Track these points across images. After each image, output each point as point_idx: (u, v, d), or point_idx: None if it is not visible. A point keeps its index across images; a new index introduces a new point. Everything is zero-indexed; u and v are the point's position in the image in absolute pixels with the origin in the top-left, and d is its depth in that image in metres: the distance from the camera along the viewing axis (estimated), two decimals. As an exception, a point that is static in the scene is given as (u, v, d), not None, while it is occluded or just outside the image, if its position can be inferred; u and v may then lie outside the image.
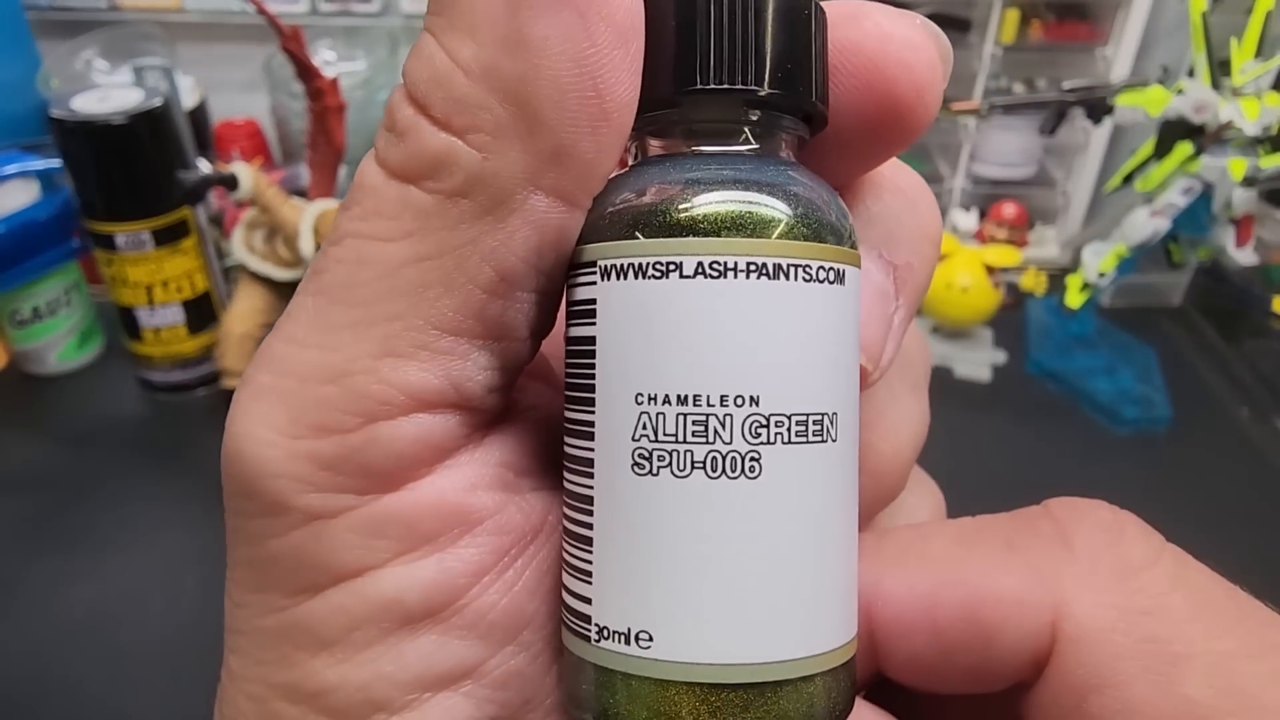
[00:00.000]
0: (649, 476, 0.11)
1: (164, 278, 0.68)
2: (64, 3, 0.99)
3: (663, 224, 0.12)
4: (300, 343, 0.12)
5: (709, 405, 0.11)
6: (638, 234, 0.12)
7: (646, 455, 0.11)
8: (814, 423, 0.12)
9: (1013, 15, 0.84)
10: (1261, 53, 0.66)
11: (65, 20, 0.99)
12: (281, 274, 0.62)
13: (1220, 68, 0.66)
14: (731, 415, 0.11)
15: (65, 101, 0.63)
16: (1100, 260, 0.73)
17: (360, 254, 0.12)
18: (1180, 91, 0.67)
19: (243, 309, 0.63)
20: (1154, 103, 0.67)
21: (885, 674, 0.14)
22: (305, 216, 0.59)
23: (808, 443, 0.12)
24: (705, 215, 0.12)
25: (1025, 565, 0.13)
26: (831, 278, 0.12)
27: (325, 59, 1.02)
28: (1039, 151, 0.95)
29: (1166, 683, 0.12)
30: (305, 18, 1.00)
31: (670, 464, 0.11)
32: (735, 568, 0.11)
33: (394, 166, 0.12)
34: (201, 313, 0.71)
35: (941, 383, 0.77)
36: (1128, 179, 0.74)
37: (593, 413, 0.12)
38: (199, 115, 0.95)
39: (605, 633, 0.12)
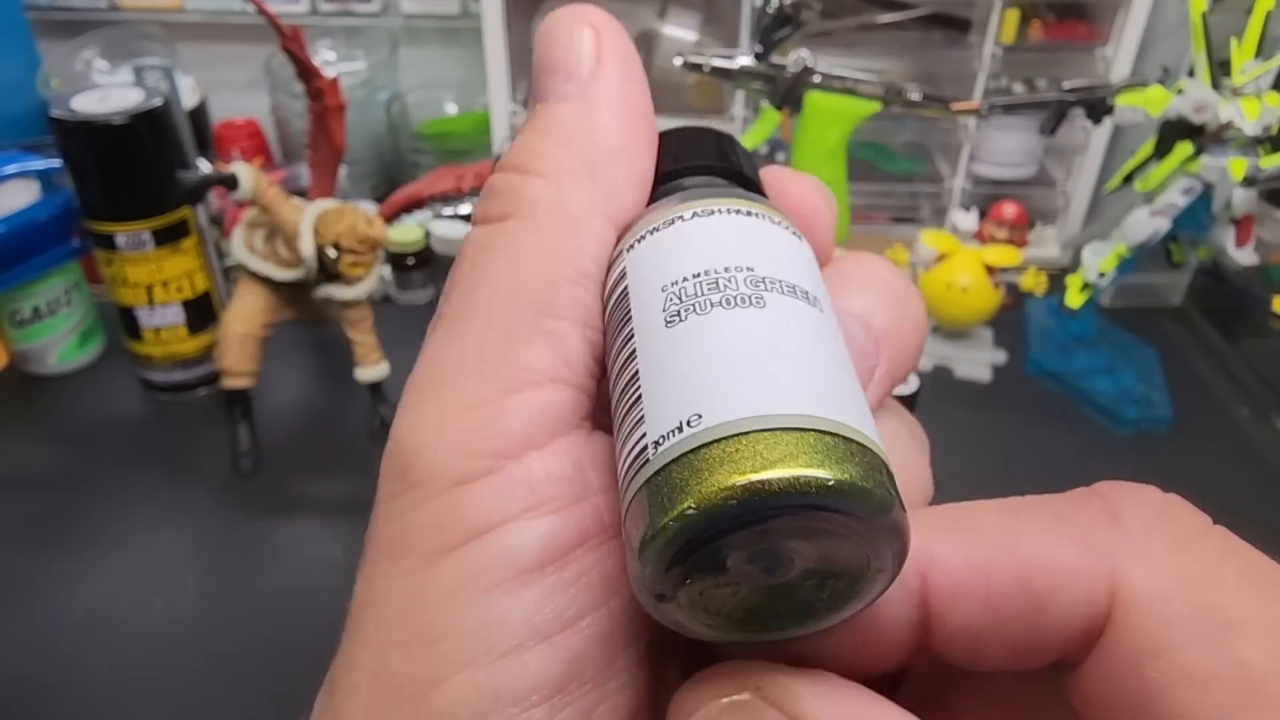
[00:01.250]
0: (677, 322, 0.14)
1: (164, 278, 0.68)
2: (64, 3, 0.99)
3: (666, 200, 0.16)
4: (440, 351, 0.15)
5: (717, 273, 0.14)
6: (650, 213, 0.16)
7: (675, 312, 0.14)
8: (801, 291, 0.14)
9: (1013, 15, 0.84)
10: (1261, 53, 0.66)
11: (65, 20, 0.99)
12: (281, 274, 0.62)
13: (1220, 68, 0.66)
14: (735, 276, 0.14)
15: (65, 101, 0.63)
16: (1100, 260, 0.73)
17: (471, 280, 0.15)
18: (1180, 91, 0.67)
19: (243, 309, 0.63)
20: (1154, 103, 0.68)
21: (934, 648, 0.14)
22: (305, 216, 0.59)
23: (800, 300, 0.14)
24: (695, 191, 0.16)
25: (1078, 536, 0.13)
26: (785, 224, 0.16)
27: (325, 59, 1.02)
28: (1039, 151, 0.95)
29: (1222, 647, 0.12)
30: (305, 18, 1.00)
31: (694, 309, 0.14)
32: (769, 350, 0.13)
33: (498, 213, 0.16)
34: (201, 312, 0.71)
35: (942, 383, 0.77)
36: (1128, 179, 0.74)
37: (631, 324, 0.14)
38: (199, 115, 0.95)
39: (659, 441, 0.12)
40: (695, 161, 0.17)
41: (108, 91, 0.64)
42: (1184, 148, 0.67)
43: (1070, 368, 0.76)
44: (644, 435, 0.13)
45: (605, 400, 0.15)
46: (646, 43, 0.92)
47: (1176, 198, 0.69)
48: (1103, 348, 0.78)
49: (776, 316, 0.13)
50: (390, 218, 0.63)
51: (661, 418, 0.13)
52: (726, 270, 0.14)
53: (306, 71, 0.58)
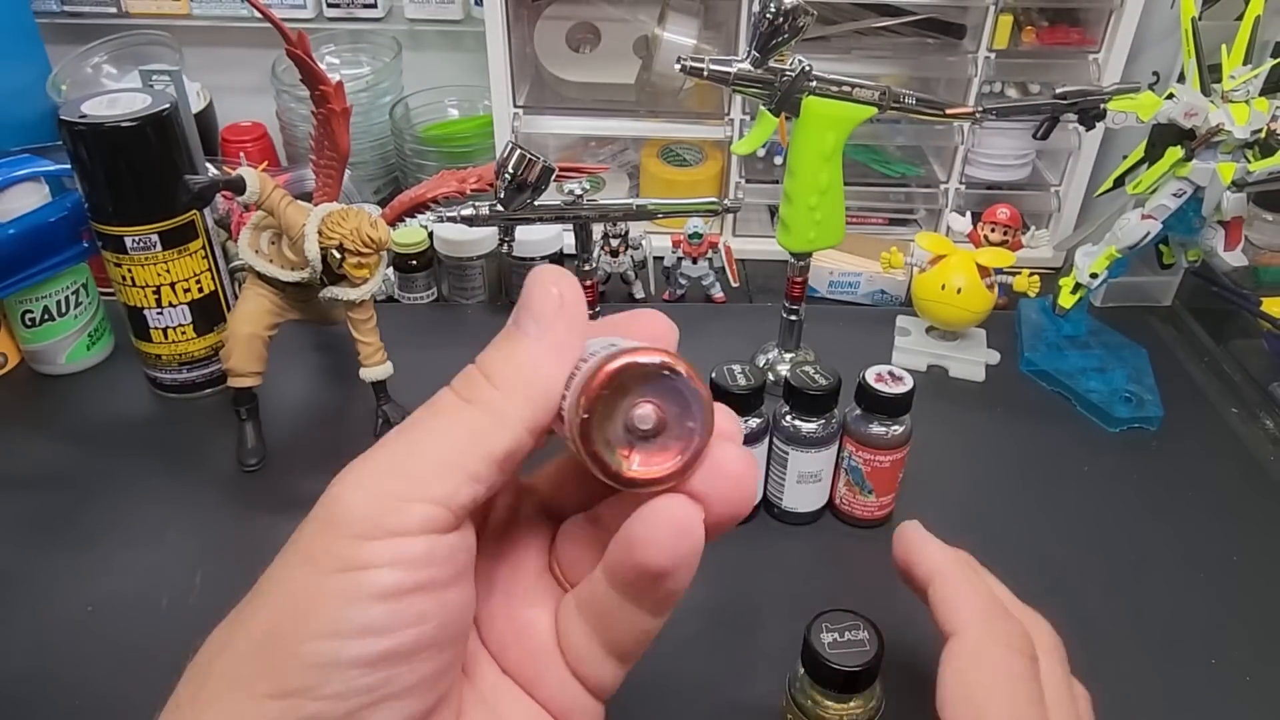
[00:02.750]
0: None
1: (172, 279, 0.69)
2: (74, 8, 1.00)
3: None
4: (400, 446, 0.24)
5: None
6: None
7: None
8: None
9: (1006, 21, 0.86)
10: (1251, 59, 0.67)
11: (75, 26, 1.00)
12: (287, 276, 0.63)
13: (1210, 73, 0.67)
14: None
15: (75, 106, 0.64)
16: (1092, 262, 0.74)
17: (437, 425, 0.24)
18: (1171, 97, 0.68)
19: (249, 310, 0.64)
20: (1145, 107, 0.68)
21: None
22: (311, 219, 0.60)
23: None
24: None
25: (978, 608, 0.37)
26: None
27: (330, 64, 1.03)
28: (1032, 155, 0.96)
29: (970, 680, 0.36)
30: (311, 23, 1.01)
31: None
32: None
33: (464, 393, 0.24)
34: (208, 313, 0.72)
35: (936, 383, 0.78)
36: (1119, 182, 0.75)
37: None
38: (206, 119, 0.97)
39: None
40: None
41: (116, 96, 0.66)
42: (1175, 152, 0.68)
43: (1063, 368, 0.77)
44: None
45: (479, 513, 0.24)
46: (646, 47, 0.93)
47: (1167, 200, 0.70)
48: (1095, 348, 0.79)
49: None
50: (394, 220, 0.64)
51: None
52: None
53: (312, 76, 0.58)
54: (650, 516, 0.23)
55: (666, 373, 0.22)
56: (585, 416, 0.22)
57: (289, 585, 0.22)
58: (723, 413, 0.24)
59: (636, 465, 0.23)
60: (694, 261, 0.86)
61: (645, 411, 0.23)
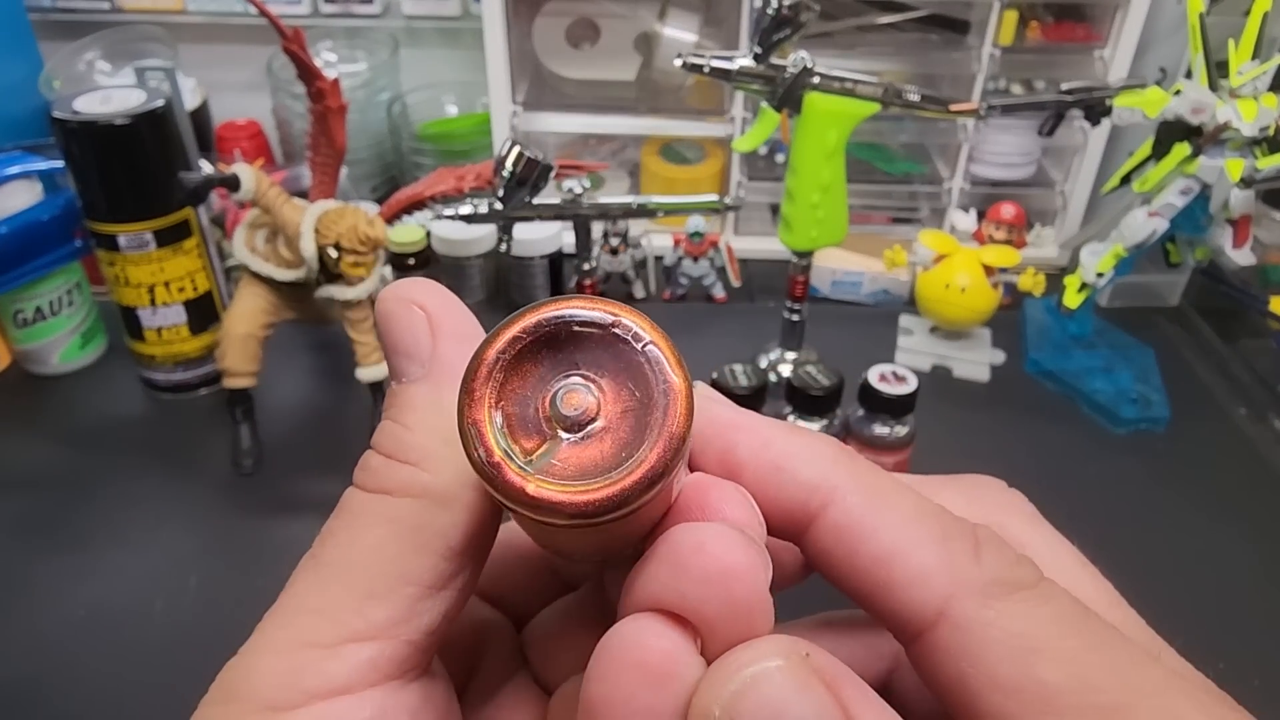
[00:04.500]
0: None
1: (166, 278, 0.68)
2: (67, 4, 0.99)
3: None
4: (305, 588, 0.17)
5: None
6: None
7: None
8: None
9: (1011, 17, 0.85)
10: (1259, 54, 0.66)
11: (68, 22, 0.99)
12: (283, 274, 0.62)
13: (1218, 69, 0.67)
14: None
15: (68, 103, 0.63)
16: (1098, 260, 0.73)
17: (347, 538, 0.18)
18: (1178, 93, 0.67)
19: (244, 309, 0.63)
20: (1152, 104, 0.68)
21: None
22: (306, 217, 0.59)
23: None
24: None
25: (942, 555, 0.17)
26: None
27: (326, 60, 1.03)
28: (1037, 152, 0.95)
29: (1025, 667, 0.15)
30: (307, 19, 1.00)
31: None
32: None
33: (373, 488, 0.18)
34: (203, 313, 0.71)
35: (940, 383, 0.77)
36: (1125, 179, 0.74)
37: None
38: (201, 116, 0.96)
39: None
40: None
41: (110, 93, 0.65)
42: (1181, 149, 0.68)
43: (1068, 367, 0.76)
44: None
45: (441, 648, 0.18)
46: (647, 44, 0.93)
47: (1174, 198, 0.69)
48: (1101, 348, 0.78)
49: None
50: (391, 218, 0.63)
51: None
52: None
53: (308, 73, 0.58)
54: (606, 663, 0.15)
55: (624, 337, 0.15)
56: (473, 367, 0.15)
57: None
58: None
59: (540, 470, 0.15)
60: (695, 260, 0.85)
61: (573, 388, 0.15)
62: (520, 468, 0.14)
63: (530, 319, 0.15)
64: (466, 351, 0.16)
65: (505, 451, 0.14)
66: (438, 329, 0.18)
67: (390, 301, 0.18)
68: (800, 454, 0.17)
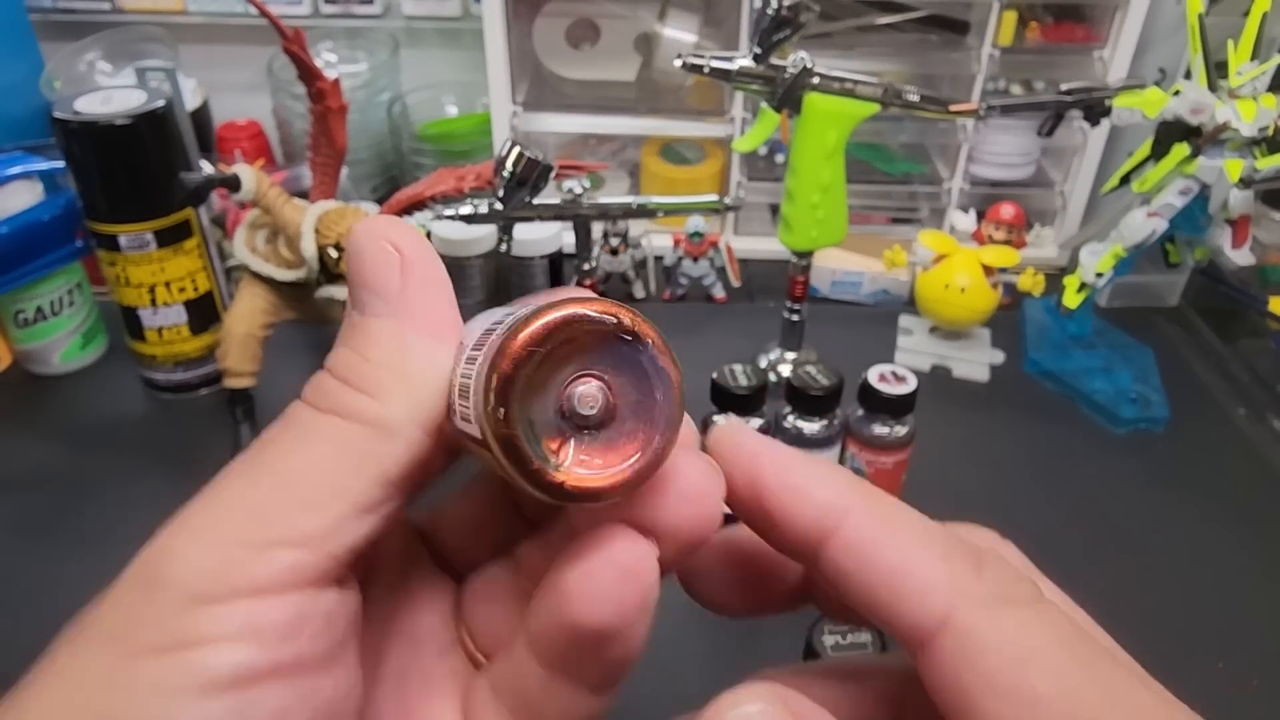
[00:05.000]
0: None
1: (167, 278, 0.68)
2: (67, 4, 0.99)
3: None
4: (241, 485, 0.18)
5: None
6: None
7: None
8: None
9: (1010, 17, 0.85)
10: (1258, 54, 0.66)
11: (68, 22, 0.99)
12: (283, 274, 0.62)
13: (1217, 69, 0.67)
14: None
15: (69, 103, 0.63)
16: (1098, 260, 0.73)
17: (290, 447, 0.18)
18: (1177, 93, 0.67)
19: (245, 309, 0.63)
20: (1151, 104, 0.68)
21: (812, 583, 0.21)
22: (307, 217, 0.59)
23: None
24: None
25: (946, 571, 0.18)
26: None
27: (327, 60, 1.03)
28: (1037, 153, 0.95)
29: (1019, 675, 0.16)
30: (307, 19, 1.00)
31: None
32: None
33: (324, 406, 0.19)
34: (204, 313, 0.71)
35: (940, 383, 0.77)
36: (1125, 180, 0.74)
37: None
38: (201, 116, 0.96)
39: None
40: None
41: (110, 93, 0.65)
42: (1181, 149, 0.68)
43: (1068, 368, 0.76)
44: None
45: (362, 564, 0.18)
46: (647, 44, 0.93)
47: (1173, 198, 0.69)
48: (1100, 348, 0.78)
49: None
50: (391, 218, 0.63)
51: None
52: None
53: (308, 73, 0.58)
54: (585, 559, 0.17)
55: (626, 336, 0.17)
56: (500, 386, 0.16)
57: (81, 676, 0.16)
58: None
59: (571, 465, 0.17)
60: (695, 260, 0.85)
61: (589, 390, 0.17)
62: (555, 468, 0.16)
63: (540, 328, 0.16)
64: (432, 297, 0.19)
65: (541, 456, 0.16)
66: (408, 270, 0.19)
67: (364, 236, 0.19)
68: (817, 478, 0.19)
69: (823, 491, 0.19)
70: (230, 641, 0.16)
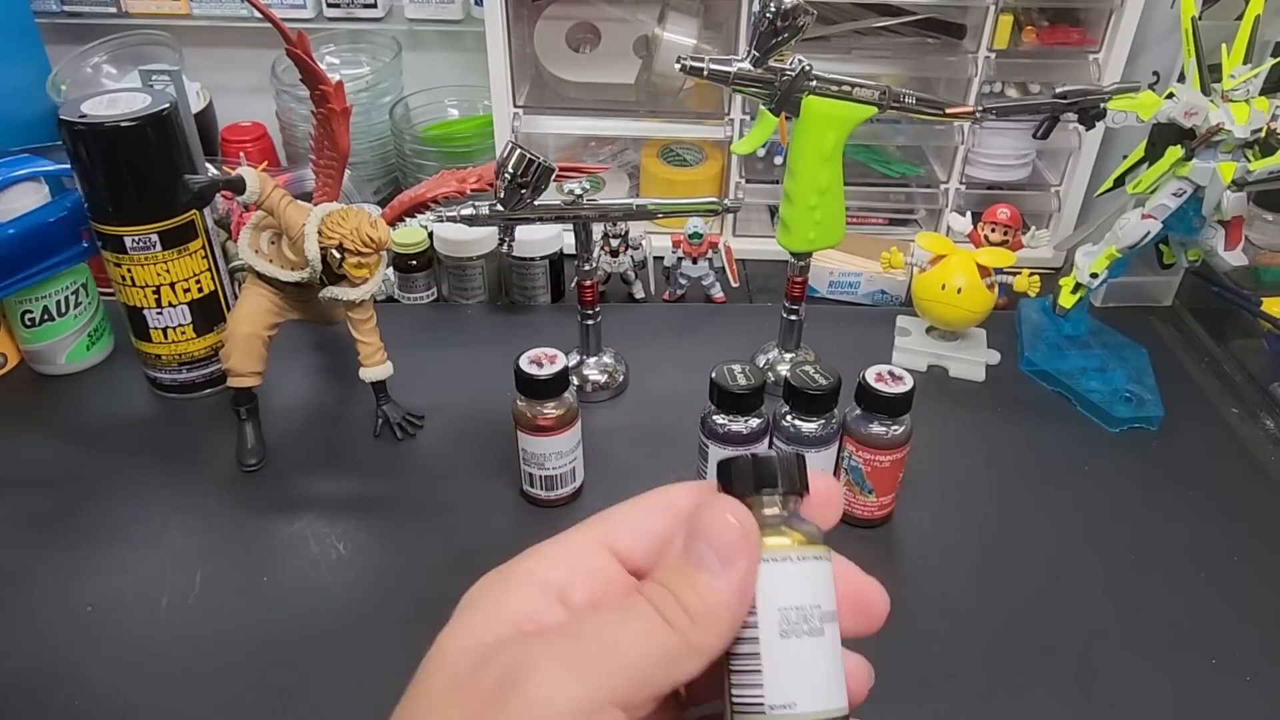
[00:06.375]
0: (786, 635, 0.23)
1: (172, 279, 0.69)
2: (74, 8, 1.00)
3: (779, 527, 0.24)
4: (583, 676, 0.21)
5: (806, 609, 0.23)
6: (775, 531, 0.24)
7: (784, 630, 0.23)
8: (832, 615, 0.23)
9: (1006, 21, 0.85)
10: (1251, 58, 0.67)
11: (75, 25, 1.00)
12: (287, 275, 0.63)
13: (1210, 73, 0.67)
14: (813, 612, 0.23)
15: (75, 106, 0.64)
16: (1092, 261, 0.74)
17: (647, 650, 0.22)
18: (1171, 96, 0.68)
19: (249, 310, 0.64)
20: (1145, 107, 0.68)
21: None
22: (310, 219, 0.60)
23: (832, 623, 0.23)
24: (798, 525, 0.24)
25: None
26: (828, 557, 0.24)
27: (330, 63, 1.03)
28: (1032, 155, 0.96)
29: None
30: (310, 23, 1.01)
31: (793, 632, 0.23)
32: (824, 670, 0.23)
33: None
34: (208, 313, 0.72)
35: (936, 383, 0.78)
36: (1119, 182, 0.75)
37: (756, 619, 0.23)
38: (206, 119, 0.97)
39: (773, 706, 0.22)
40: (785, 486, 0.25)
41: (116, 96, 0.65)
42: (1175, 151, 0.68)
43: (1063, 368, 0.77)
44: (760, 693, 0.22)
45: None
46: (646, 47, 0.93)
47: (1167, 200, 0.70)
48: (1095, 348, 0.79)
49: (829, 643, 0.23)
50: (394, 220, 0.64)
51: (774, 691, 0.22)
52: (811, 607, 0.23)
53: (312, 76, 0.59)
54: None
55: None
56: None
57: None
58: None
59: None
60: (694, 261, 0.86)
61: None
62: None
63: None
64: (753, 578, 0.23)
65: None
66: (746, 548, 0.23)
67: (718, 505, 0.23)
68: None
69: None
70: None
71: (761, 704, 0.22)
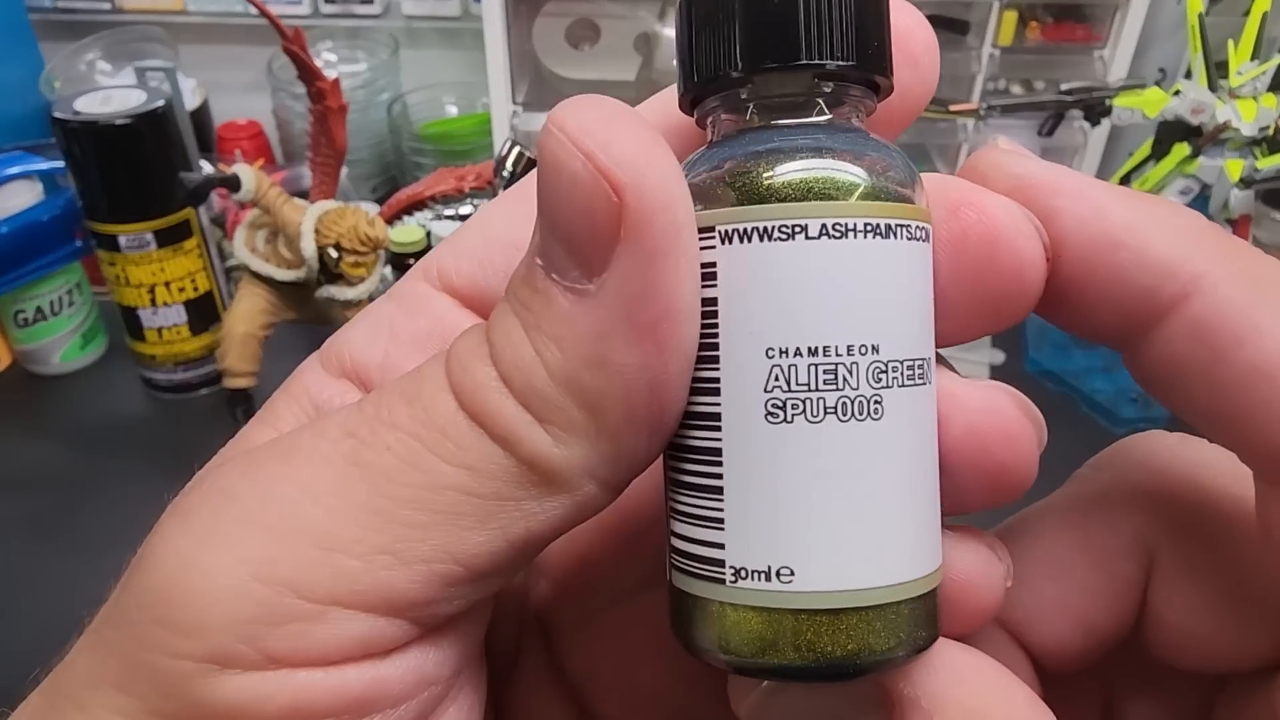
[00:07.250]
0: (783, 424, 0.12)
1: (166, 278, 0.68)
2: (67, 4, 0.99)
3: (786, 189, 0.13)
4: (311, 496, 0.13)
5: (838, 355, 0.12)
6: (761, 199, 0.12)
7: (780, 405, 0.12)
8: (918, 366, 0.13)
9: (1010, 17, 0.85)
10: (1258, 54, 0.66)
11: (68, 22, 0.99)
12: (283, 274, 0.62)
13: (1217, 69, 0.67)
14: (858, 363, 0.12)
15: (69, 103, 0.63)
16: (1098, 261, 0.73)
17: (416, 458, 0.12)
18: (1177, 93, 0.67)
19: (244, 309, 0.63)
20: (1151, 104, 0.68)
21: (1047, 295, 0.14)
22: (307, 217, 0.59)
23: (915, 385, 0.13)
24: (826, 179, 0.13)
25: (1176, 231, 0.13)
26: (923, 236, 0.13)
27: (327, 60, 1.03)
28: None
29: None
30: (307, 19, 1.00)
31: (804, 411, 0.12)
32: (866, 503, 0.12)
33: (469, 408, 0.13)
34: (204, 313, 0.71)
35: (940, 383, 0.77)
36: (1125, 179, 0.74)
37: (717, 369, 0.13)
38: (201, 116, 0.96)
39: (743, 573, 0.12)
40: (802, 59, 0.13)
41: (110, 93, 0.65)
42: (1181, 149, 0.68)
43: (1068, 367, 0.76)
44: (721, 548, 0.12)
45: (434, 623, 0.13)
46: (646, 44, 0.93)
47: (1174, 198, 0.69)
48: (1100, 347, 0.78)
49: (889, 438, 0.12)
50: (391, 218, 0.63)
51: (746, 544, 0.12)
52: (850, 351, 0.12)
53: (308, 73, 0.58)
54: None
55: None
56: None
57: None
58: None
59: None
60: (695, 260, 0.85)
61: None
62: None
63: None
64: (658, 270, 0.11)
65: None
66: (631, 228, 0.11)
67: (566, 152, 0.12)
68: (1149, 226, 0.13)
69: (1161, 245, 0.13)
70: None
71: (721, 562, 0.12)
